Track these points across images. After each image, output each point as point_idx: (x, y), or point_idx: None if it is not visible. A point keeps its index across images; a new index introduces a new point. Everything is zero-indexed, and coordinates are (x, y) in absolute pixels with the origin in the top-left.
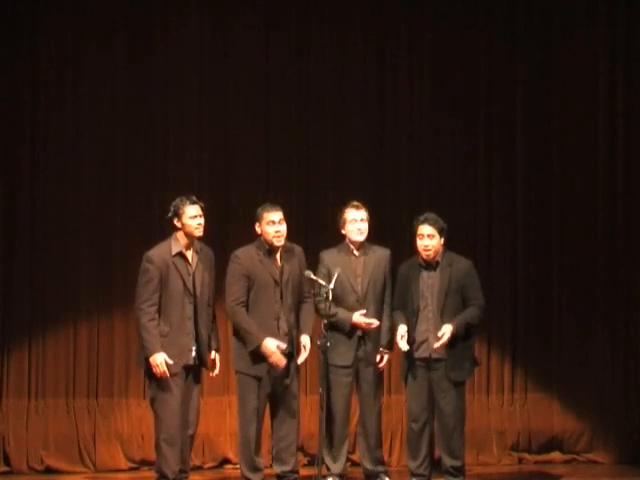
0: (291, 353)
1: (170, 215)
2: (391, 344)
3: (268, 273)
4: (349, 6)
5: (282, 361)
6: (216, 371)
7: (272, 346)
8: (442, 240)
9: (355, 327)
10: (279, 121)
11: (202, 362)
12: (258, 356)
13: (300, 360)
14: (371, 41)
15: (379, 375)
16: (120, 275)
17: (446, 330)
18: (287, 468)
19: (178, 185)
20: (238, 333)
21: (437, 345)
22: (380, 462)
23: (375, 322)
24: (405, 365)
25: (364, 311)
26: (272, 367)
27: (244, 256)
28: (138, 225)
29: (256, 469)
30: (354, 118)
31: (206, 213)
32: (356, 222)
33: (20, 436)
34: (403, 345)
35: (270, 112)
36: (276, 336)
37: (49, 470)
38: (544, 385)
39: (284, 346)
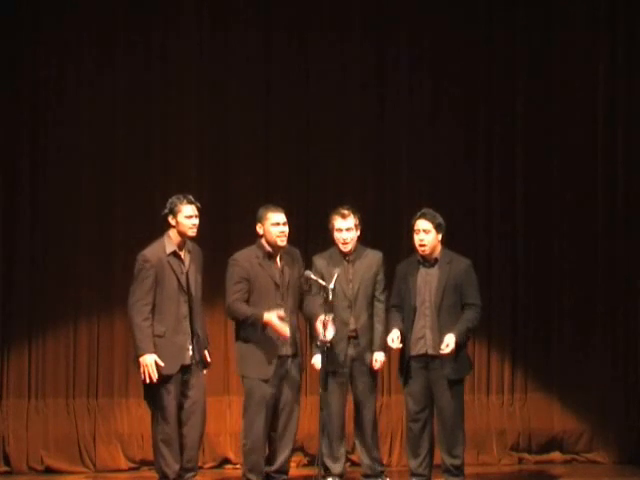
0: (294, 354)
1: (166, 212)
2: (384, 346)
3: (268, 276)
4: (349, 6)
5: (284, 329)
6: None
7: (271, 316)
8: (439, 236)
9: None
10: (279, 121)
11: (201, 361)
12: (264, 358)
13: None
14: (371, 40)
15: (374, 375)
16: (120, 275)
17: (449, 341)
18: (276, 468)
19: (178, 185)
20: (244, 331)
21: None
22: (379, 462)
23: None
24: (402, 364)
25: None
26: (278, 338)
27: (243, 259)
28: (138, 225)
29: (260, 472)
30: (354, 118)
31: (203, 214)
32: (341, 232)
33: (20, 436)
34: (395, 345)
35: (270, 112)
36: (277, 340)
37: (49, 470)
38: (544, 385)
39: (282, 313)
